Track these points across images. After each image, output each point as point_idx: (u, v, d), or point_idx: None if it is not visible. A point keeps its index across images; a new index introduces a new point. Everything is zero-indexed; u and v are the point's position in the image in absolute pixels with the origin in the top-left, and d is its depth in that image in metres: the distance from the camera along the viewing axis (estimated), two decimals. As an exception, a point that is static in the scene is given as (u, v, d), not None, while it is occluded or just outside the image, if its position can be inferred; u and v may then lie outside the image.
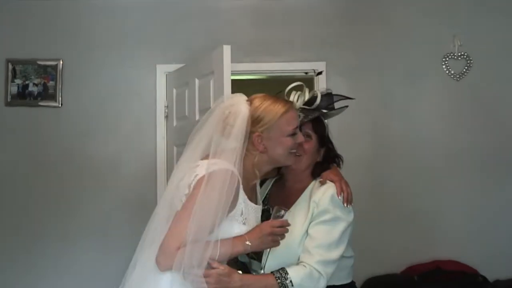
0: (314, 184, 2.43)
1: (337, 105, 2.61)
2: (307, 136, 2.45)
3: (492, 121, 4.61)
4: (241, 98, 2.29)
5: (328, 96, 2.51)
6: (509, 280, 4.37)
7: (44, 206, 4.64)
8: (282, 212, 2.21)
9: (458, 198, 4.58)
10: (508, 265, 4.44)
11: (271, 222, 2.20)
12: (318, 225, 2.27)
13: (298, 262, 2.24)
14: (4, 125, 4.69)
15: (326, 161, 2.52)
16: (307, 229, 2.29)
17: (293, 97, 2.45)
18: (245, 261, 2.53)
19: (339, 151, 4.53)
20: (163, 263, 2.06)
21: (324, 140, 2.51)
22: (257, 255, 2.36)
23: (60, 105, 4.70)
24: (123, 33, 4.75)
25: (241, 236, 2.16)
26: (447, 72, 4.63)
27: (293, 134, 2.29)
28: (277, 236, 2.18)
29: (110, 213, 4.64)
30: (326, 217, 2.27)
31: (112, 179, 4.66)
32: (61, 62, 4.70)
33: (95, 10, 4.75)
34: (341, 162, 2.61)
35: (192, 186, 2.14)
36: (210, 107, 3.76)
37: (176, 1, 4.74)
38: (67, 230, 4.64)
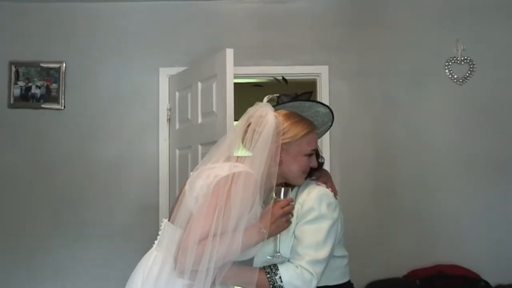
0: (298, 187, 2.44)
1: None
2: None
3: (495, 125, 4.60)
4: (269, 109, 2.33)
5: (289, 96, 2.53)
6: (511, 285, 4.36)
7: (47, 208, 4.64)
8: (283, 190, 2.25)
9: (461, 202, 4.56)
10: (510, 269, 4.43)
11: (279, 203, 2.22)
12: (303, 226, 2.28)
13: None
14: (6, 127, 4.69)
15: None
16: (293, 231, 2.30)
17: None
18: None
19: (342, 154, 4.55)
20: (182, 259, 2.06)
21: None
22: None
23: (63, 108, 4.71)
24: (126, 36, 4.76)
25: (254, 226, 2.18)
26: (450, 76, 4.62)
27: (310, 155, 2.37)
28: (288, 215, 2.22)
29: (113, 215, 4.64)
30: (311, 215, 2.28)
31: (114, 182, 4.67)
32: (64, 65, 4.71)
33: (98, 13, 4.75)
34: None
35: (212, 185, 2.15)
36: (213, 110, 3.81)
37: (179, 4, 4.75)
38: (69, 232, 4.64)
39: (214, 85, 3.83)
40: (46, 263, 4.60)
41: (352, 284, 2.48)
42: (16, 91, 4.71)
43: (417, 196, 4.57)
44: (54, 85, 4.71)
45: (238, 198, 2.11)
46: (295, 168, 2.34)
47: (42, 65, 4.71)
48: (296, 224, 2.30)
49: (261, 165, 2.21)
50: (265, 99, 2.46)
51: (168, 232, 2.24)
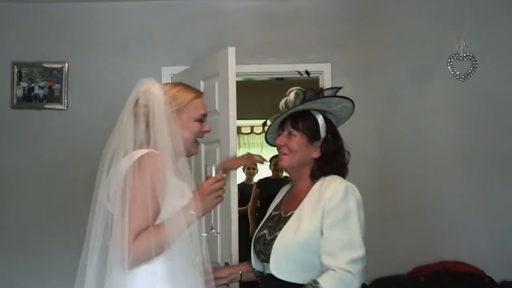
0: (323, 181, 2.42)
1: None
2: (289, 133, 2.49)
3: (497, 121, 4.60)
4: (152, 81, 2.35)
5: (315, 91, 2.54)
6: (516, 281, 4.37)
7: (50, 208, 4.65)
8: (213, 167, 2.30)
9: (465, 199, 4.56)
10: (515, 266, 4.43)
11: (207, 181, 2.25)
12: (334, 225, 2.25)
13: (324, 268, 2.22)
14: (10, 127, 4.70)
15: (329, 157, 2.51)
16: (320, 227, 2.27)
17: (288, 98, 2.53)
18: (260, 270, 2.56)
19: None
20: (128, 259, 2.08)
21: (314, 135, 2.50)
22: (267, 257, 2.37)
23: (65, 108, 4.72)
24: (129, 36, 4.76)
25: (184, 207, 2.19)
26: (452, 72, 4.62)
27: (201, 121, 2.38)
28: (218, 191, 2.24)
29: (116, 215, 4.64)
30: (340, 212, 2.26)
31: (118, 181, 4.66)
32: (67, 65, 4.72)
33: (100, 12, 4.76)
34: (347, 163, 2.63)
35: (122, 182, 2.17)
36: (215, 109, 3.80)
37: (181, 3, 4.76)
38: (73, 232, 4.63)
39: (216, 83, 3.82)
40: (50, 263, 4.60)
41: (366, 286, 2.44)
42: (19, 92, 4.72)
43: (421, 193, 4.57)
44: (57, 86, 4.72)
45: (147, 184, 2.10)
46: (187, 135, 2.33)
47: (44, 65, 4.72)
48: (322, 219, 2.27)
49: (164, 138, 2.20)
50: (292, 93, 2.48)
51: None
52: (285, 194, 2.67)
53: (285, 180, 7.49)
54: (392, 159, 4.63)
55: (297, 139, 2.47)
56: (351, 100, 2.56)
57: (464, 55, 4.62)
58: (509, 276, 4.38)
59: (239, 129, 9.38)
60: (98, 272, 2.30)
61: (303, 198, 2.41)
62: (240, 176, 8.09)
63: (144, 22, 4.77)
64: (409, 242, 4.53)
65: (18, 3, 4.72)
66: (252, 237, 2.50)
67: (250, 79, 4.91)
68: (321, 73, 4.64)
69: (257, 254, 2.52)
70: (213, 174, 2.29)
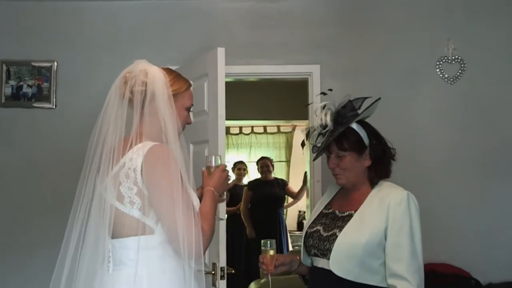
0: (380, 186, 2.53)
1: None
2: (338, 156, 2.54)
3: (485, 124, 4.62)
4: (145, 62, 2.39)
5: (349, 105, 2.68)
6: (502, 283, 4.38)
7: (39, 208, 4.62)
8: (213, 157, 2.43)
9: (452, 201, 4.58)
10: (501, 268, 4.44)
11: (221, 167, 2.36)
12: (402, 233, 2.35)
13: (390, 271, 2.33)
14: (-2, 126, 4.68)
15: (379, 161, 2.59)
16: (383, 231, 2.36)
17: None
18: (307, 264, 2.62)
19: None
20: (200, 249, 2.05)
21: (361, 147, 2.56)
22: (321, 251, 2.43)
23: (54, 107, 4.70)
24: (118, 35, 4.75)
25: (207, 190, 2.25)
26: (441, 75, 4.64)
27: (189, 110, 2.40)
28: (228, 177, 2.38)
29: (104, 215, 4.62)
30: (406, 221, 2.37)
31: (106, 181, 4.65)
32: (56, 64, 4.70)
33: (89, 11, 4.75)
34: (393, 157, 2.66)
35: (138, 180, 2.13)
36: (204, 109, 3.80)
37: (170, 3, 4.75)
38: (62, 233, 4.61)
39: (205, 84, 3.83)
40: (39, 262, 4.57)
41: None
42: (7, 90, 4.70)
43: (409, 195, 4.58)
44: (45, 84, 4.70)
45: (175, 175, 2.10)
46: (179, 122, 2.32)
47: (33, 64, 4.70)
48: (390, 225, 2.37)
49: (172, 121, 2.20)
50: (328, 116, 2.59)
51: (118, 247, 2.26)
52: (336, 194, 2.73)
53: (276, 182, 7.55)
54: (380, 161, 4.64)
55: (347, 159, 2.54)
56: (378, 98, 2.68)
57: (453, 58, 4.64)
58: (495, 278, 4.41)
59: (227, 130, 9.38)
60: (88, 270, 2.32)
61: (360, 201, 2.50)
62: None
63: (134, 22, 4.76)
64: (397, 243, 4.54)
65: (6, 1, 4.70)
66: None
67: (239, 79, 4.90)
68: (310, 75, 4.65)
69: (308, 248, 2.56)
70: (214, 164, 2.41)
